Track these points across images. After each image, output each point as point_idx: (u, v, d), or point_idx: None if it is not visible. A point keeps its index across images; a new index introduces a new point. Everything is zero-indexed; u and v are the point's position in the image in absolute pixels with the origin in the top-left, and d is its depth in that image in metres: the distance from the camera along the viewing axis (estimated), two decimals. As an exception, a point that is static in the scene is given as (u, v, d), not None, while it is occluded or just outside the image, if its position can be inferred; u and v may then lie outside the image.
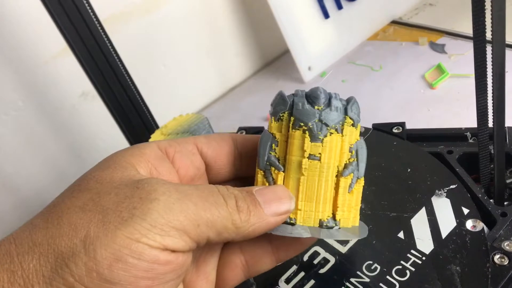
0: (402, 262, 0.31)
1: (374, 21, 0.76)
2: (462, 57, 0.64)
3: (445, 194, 0.34)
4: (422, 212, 0.34)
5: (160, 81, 0.67)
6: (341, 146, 0.25)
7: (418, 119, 0.56)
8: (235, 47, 0.73)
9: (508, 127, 0.37)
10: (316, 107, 0.24)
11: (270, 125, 0.26)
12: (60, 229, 0.19)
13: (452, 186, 0.35)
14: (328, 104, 0.25)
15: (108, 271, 0.19)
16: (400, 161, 0.38)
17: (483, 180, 0.37)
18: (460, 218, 0.32)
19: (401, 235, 0.33)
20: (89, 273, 0.19)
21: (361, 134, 0.43)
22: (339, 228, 0.25)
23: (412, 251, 0.31)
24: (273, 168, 0.25)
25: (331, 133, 0.24)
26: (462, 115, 0.55)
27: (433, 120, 0.56)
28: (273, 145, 0.25)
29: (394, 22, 0.77)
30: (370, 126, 0.45)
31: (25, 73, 0.56)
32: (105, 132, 0.62)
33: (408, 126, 0.44)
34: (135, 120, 0.53)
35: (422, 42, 0.69)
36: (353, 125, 0.25)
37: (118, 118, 0.52)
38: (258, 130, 0.47)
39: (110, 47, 0.48)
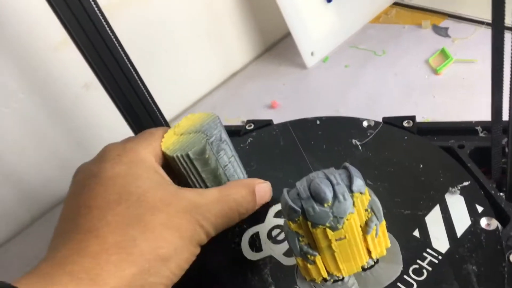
0: (418, 261, 0.31)
1: (376, 3, 0.75)
2: (465, 41, 0.64)
3: (458, 191, 0.35)
4: (436, 209, 0.34)
5: (161, 67, 0.66)
6: (359, 214, 0.28)
7: (424, 107, 0.56)
8: (236, 31, 0.72)
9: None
10: (325, 204, 0.26)
11: (289, 225, 0.28)
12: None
13: (465, 183, 0.35)
14: (335, 195, 0.26)
15: None
16: (412, 157, 0.38)
17: (494, 174, 0.37)
18: (475, 216, 0.33)
19: (416, 233, 0.33)
20: None
21: (371, 127, 0.44)
22: (377, 260, 0.31)
23: (428, 250, 0.32)
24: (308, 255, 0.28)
25: (347, 219, 0.27)
26: (468, 102, 0.54)
27: (439, 107, 0.55)
28: (300, 238, 0.28)
29: (396, 4, 0.76)
30: (377, 114, 0.45)
31: (25, 65, 0.55)
32: (109, 122, 0.62)
33: (413, 112, 0.44)
34: (138, 108, 0.52)
35: (425, 25, 0.69)
36: (361, 193, 0.27)
37: (121, 107, 0.51)
38: (267, 124, 0.47)
39: (111, 34, 0.47)
